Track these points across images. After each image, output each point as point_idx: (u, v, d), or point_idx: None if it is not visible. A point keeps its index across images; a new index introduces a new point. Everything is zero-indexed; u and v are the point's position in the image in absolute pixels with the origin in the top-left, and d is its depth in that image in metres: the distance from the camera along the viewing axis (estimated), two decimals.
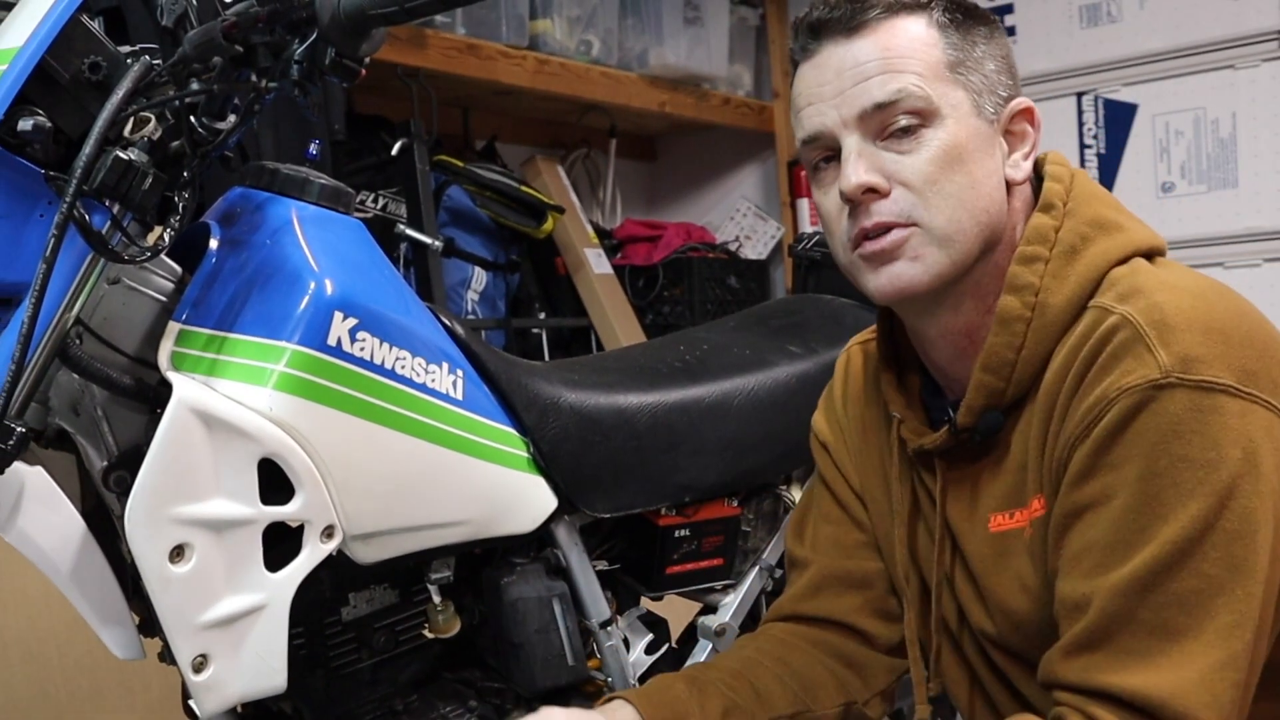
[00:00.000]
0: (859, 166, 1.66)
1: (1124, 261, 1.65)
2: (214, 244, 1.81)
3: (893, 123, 1.67)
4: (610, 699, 1.81)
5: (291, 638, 1.76)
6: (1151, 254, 1.68)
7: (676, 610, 2.49)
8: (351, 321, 1.77)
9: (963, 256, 1.68)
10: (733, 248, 5.54)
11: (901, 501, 1.89)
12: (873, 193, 1.67)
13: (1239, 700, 1.47)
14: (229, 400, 1.68)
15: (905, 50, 1.68)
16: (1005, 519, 1.73)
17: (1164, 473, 1.48)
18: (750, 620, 2.46)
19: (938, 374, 1.84)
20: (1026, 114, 1.76)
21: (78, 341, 1.71)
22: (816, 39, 1.73)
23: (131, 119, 1.63)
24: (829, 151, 1.73)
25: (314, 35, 1.61)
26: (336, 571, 1.88)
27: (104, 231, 1.61)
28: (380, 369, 1.82)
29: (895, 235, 1.67)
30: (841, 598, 1.98)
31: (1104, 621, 1.51)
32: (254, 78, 1.66)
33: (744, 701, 1.83)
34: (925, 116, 1.67)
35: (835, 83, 1.69)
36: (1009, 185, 1.73)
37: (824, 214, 1.77)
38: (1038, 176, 1.78)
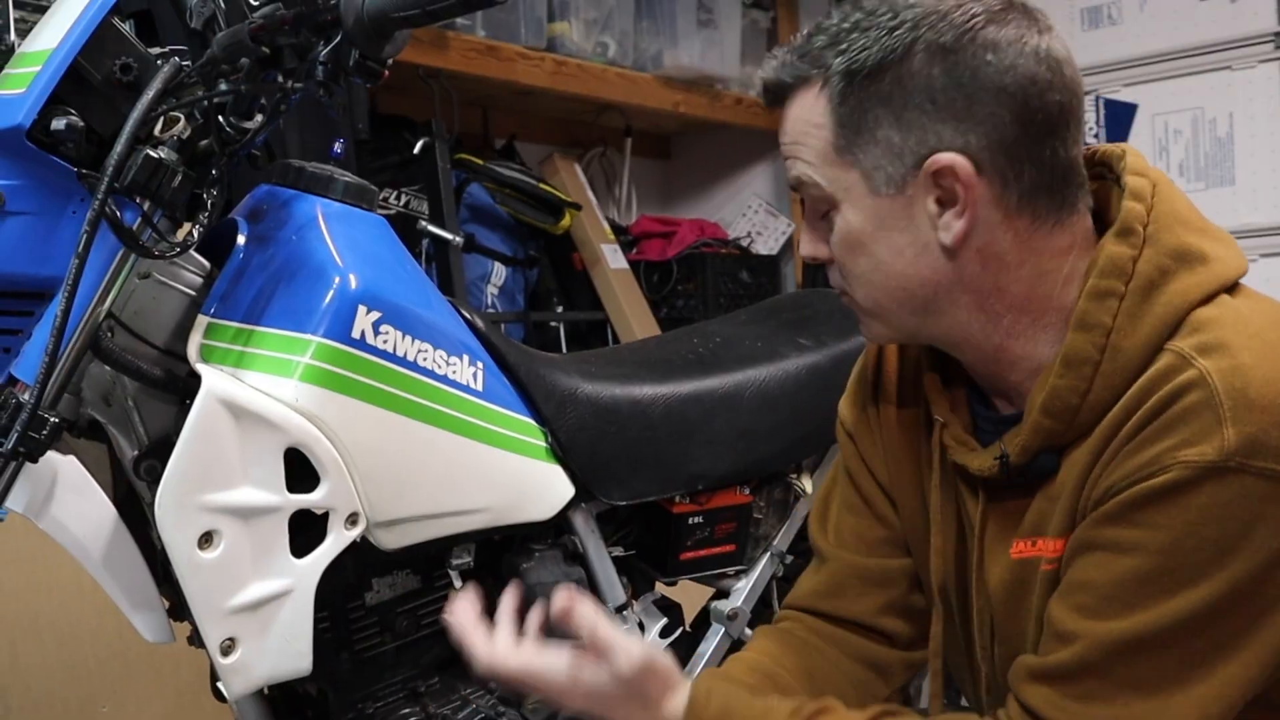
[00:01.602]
0: (804, 240, 1.65)
1: (1207, 300, 1.46)
2: (241, 240, 1.81)
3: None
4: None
5: (317, 622, 1.76)
6: (1235, 284, 1.51)
7: (690, 595, 2.49)
8: (375, 315, 1.77)
9: (896, 325, 1.62)
10: (745, 243, 5.53)
11: (943, 512, 1.74)
12: (820, 260, 1.65)
13: None
14: (256, 391, 1.68)
15: (798, 135, 1.57)
16: (1027, 546, 1.58)
17: (1191, 552, 1.37)
18: (761, 605, 2.46)
19: (981, 384, 1.68)
20: (949, 173, 1.48)
21: (109, 334, 1.71)
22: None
23: (161, 118, 1.63)
24: None
25: (338, 37, 1.61)
26: (360, 557, 1.87)
27: (135, 228, 1.62)
28: (403, 361, 1.81)
29: (845, 299, 1.66)
30: (862, 598, 1.85)
31: (1079, 665, 1.43)
32: (280, 79, 1.66)
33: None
34: (827, 200, 1.57)
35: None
36: (945, 248, 1.52)
37: None
38: (1118, 186, 1.56)
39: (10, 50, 1.66)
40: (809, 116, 1.55)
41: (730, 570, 2.45)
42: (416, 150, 4.12)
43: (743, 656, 1.87)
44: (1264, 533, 1.35)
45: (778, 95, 1.60)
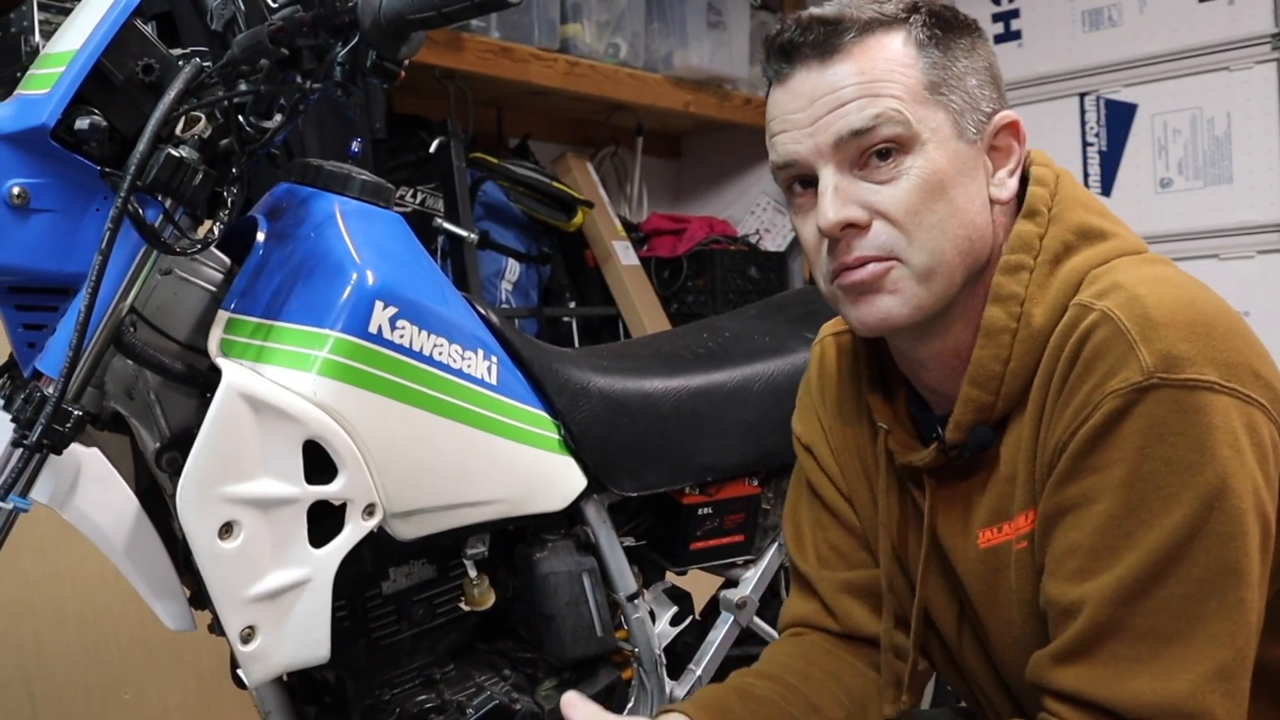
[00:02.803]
0: (835, 202, 1.52)
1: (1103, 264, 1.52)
2: (261, 237, 1.81)
3: (870, 150, 1.51)
4: (666, 710, 1.68)
5: (334, 610, 1.76)
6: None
7: (700, 584, 2.48)
8: (391, 310, 1.77)
9: (945, 288, 1.54)
10: (753, 240, 5.52)
11: (889, 513, 1.75)
12: (852, 227, 1.52)
13: (1233, 710, 1.37)
14: (275, 385, 1.68)
15: (883, 72, 1.51)
16: (994, 534, 1.59)
17: (1149, 477, 1.37)
18: (770, 594, 2.46)
19: (926, 393, 1.69)
20: (1011, 129, 1.59)
21: (132, 329, 1.71)
22: (789, 62, 1.56)
23: (183, 118, 1.62)
24: (803, 177, 1.58)
25: (356, 39, 1.61)
26: (377, 547, 1.87)
27: (157, 225, 1.61)
28: (419, 355, 1.81)
29: (874, 268, 1.53)
30: (856, 611, 1.84)
31: (1093, 630, 1.41)
32: (299, 79, 1.66)
33: (799, 714, 1.71)
34: (905, 143, 1.51)
35: (809, 110, 1.53)
36: (993, 204, 1.57)
37: (803, 241, 1.61)
38: (1022, 178, 1.62)
39: (35, 51, 1.65)
40: (895, 56, 1.53)
41: (739, 560, 2.45)
42: (432, 149, 4.12)
43: (772, 664, 1.84)
44: (1209, 441, 1.36)
45: (840, 34, 1.53)
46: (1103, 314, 1.42)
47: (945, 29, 1.56)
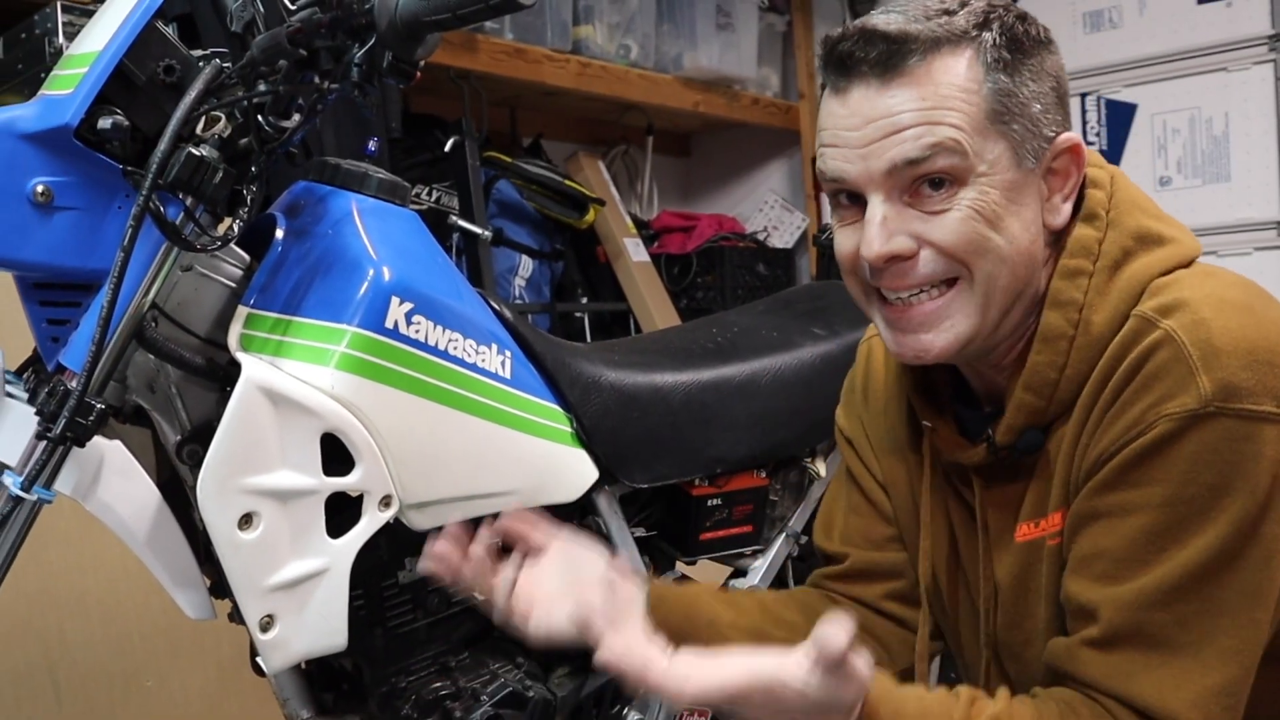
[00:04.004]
0: (882, 234, 1.47)
1: (1165, 274, 1.48)
2: (280, 234, 1.81)
3: (923, 179, 1.45)
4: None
5: (352, 599, 1.75)
6: (1191, 264, 1.52)
7: (709, 574, 2.48)
8: (407, 306, 1.76)
9: (994, 319, 1.50)
10: (761, 237, 5.51)
11: (933, 511, 1.74)
12: (896, 259, 1.48)
13: None
14: (294, 379, 1.68)
15: (944, 99, 1.44)
16: (1031, 528, 1.58)
17: (1191, 500, 1.37)
18: (777, 583, 2.46)
19: (975, 384, 1.67)
20: (1072, 153, 1.52)
21: (153, 324, 1.70)
22: (846, 76, 1.48)
23: (203, 118, 1.62)
24: (850, 193, 1.52)
25: (372, 40, 1.61)
26: (393, 537, 1.86)
27: (178, 222, 1.61)
28: (434, 350, 1.81)
29: (933, 306, 1.50)
30: (870, 586, 1.85)
31: (1111, 631, 1.42)
32: (317, 79, 1.65)
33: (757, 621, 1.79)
34: (959, 175, 1.44)
35: (863, 131, 1.46)
36: (1044, 229, 1.52)
37: (840, 250, 1.56)
38: None
39: (59, 52, 1.65)
40: (958, 81, 1.45)
41: (747, 550, 2.44)
42: (447, 148, 4.11)
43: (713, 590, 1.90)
44: (1256, 470, 1.36)
45: (904, 56, 1.45)
46: (1166, 334, 1.40)
47: (1015, 50, 1.49)
